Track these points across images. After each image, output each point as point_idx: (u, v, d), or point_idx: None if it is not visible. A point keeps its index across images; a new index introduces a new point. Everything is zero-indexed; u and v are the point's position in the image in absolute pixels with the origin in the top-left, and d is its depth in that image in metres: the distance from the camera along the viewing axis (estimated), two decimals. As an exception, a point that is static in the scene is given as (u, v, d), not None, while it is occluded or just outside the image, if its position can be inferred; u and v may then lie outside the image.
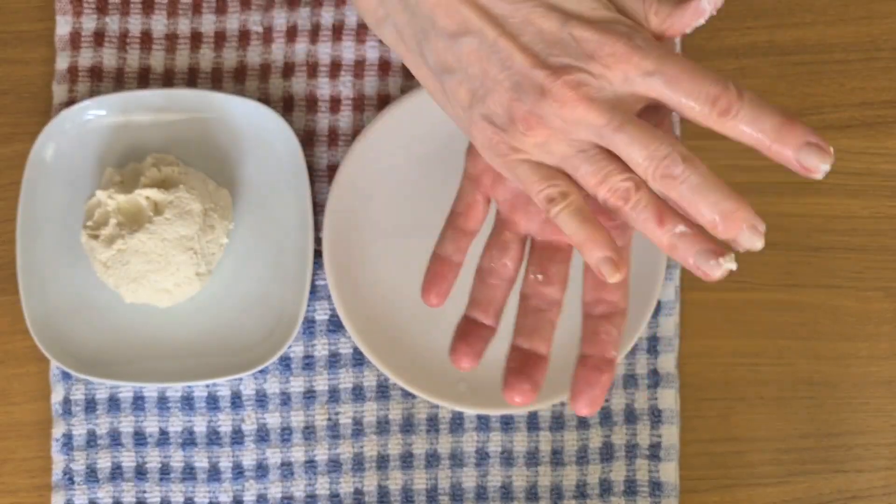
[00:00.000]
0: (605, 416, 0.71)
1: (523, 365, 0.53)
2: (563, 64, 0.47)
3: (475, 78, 0.49)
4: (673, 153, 0.47)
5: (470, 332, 0.54)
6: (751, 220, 0.48)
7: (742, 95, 0.47)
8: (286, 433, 0.72)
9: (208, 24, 0.75)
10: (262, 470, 0.72)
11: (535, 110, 0.48)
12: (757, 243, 0.48)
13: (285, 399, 0.72)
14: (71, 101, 0.73)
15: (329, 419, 0.72)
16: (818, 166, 0.47)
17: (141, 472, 0.72)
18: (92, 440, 0.72)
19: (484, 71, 0.48)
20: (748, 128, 0.48)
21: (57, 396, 0.72)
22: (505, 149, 0.49)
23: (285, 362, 0.72)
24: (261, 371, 0.72)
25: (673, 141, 0.48)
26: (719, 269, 0.48)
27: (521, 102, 0.48)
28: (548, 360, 0.54)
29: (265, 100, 0.74)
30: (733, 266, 0.49)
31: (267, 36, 0.74)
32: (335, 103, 0.74)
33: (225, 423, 0.72)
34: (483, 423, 0.72)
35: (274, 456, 0.72)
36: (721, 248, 0.48)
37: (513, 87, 0.48)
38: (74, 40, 0.74)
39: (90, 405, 0.72)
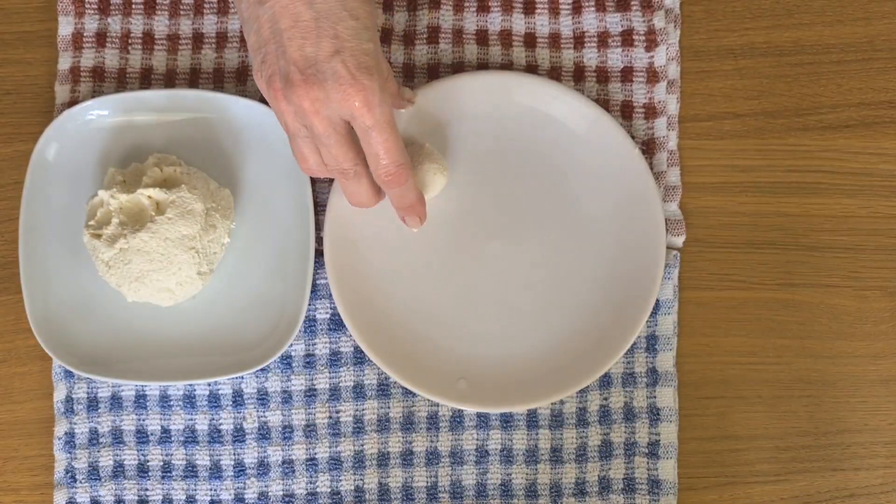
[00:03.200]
0: (605, 415, 0.72)
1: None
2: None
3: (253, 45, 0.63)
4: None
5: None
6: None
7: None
8: (287, 431, 0.72)
9: (210, 24, 0.75)
10: (263, 468, 0.72)
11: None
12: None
13: (286, 397, 0.72)
14: (73, 102, 0.74)
15: (330, 417, 0.72)
16: (413, 226, 0.70)
17: (143, 470, 0.72)
18: (94, 438, 0.72)
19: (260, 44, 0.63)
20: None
21: (59, 395, 0.72)
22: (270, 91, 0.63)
23: (286, 361, 0.72)
24: (262, 369, 0.72)
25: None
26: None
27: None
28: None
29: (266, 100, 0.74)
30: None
31: (268, 36, 0.75)
32: (336, 103, 0.74)
33: (227, 421, 0.72)
34: (483, 421, 0.72)
35: (275, 454, 0.72)
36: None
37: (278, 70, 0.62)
38: (76, 41, 0.74)
39: (92, 403, 0.72)
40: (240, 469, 0.72)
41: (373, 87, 0.61)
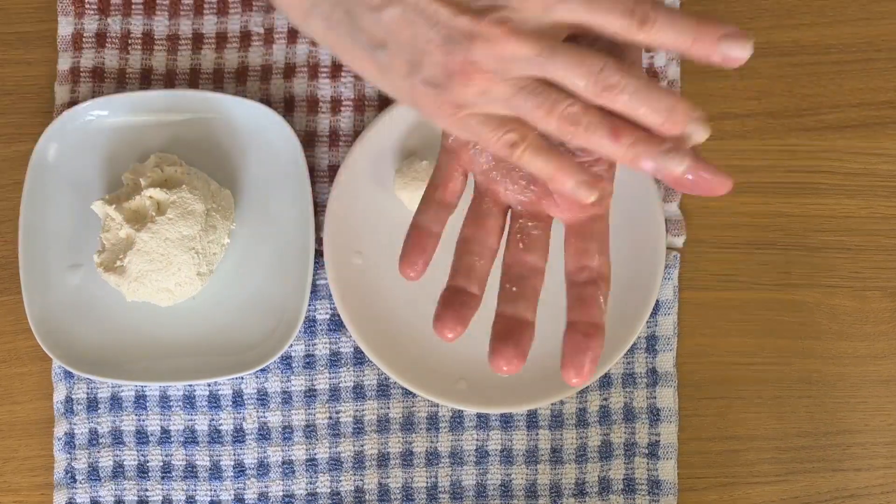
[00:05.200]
0: (604, 415, 0.72)
1: (509, 330, 0.51)
2: (483, 6, 0.48)
3: (407, 45, 0.49)
4: (607, 65, 0.47)
5: (454, 301, 0.52)
6: (691, 111, 0.48)
7: (656, 6, 0.48)
8: (287, 432, 0.72)
9: (210, 25, 0.75)
10: (263, 468, 0.72)
11: (468, 57, 0.48)
12: (702, 132, 0.48)
13: (286, 398, 0.72)
14: (73, 102, 0.74)
15: (330, 418, 0.72)
16: (740, 54, 0.48)
17: (143, 471, 0.72)
18: (94, 439, 0.72)
19: (414, 35, 0.49)
20: (668, 33, 0.48)
21: (59, 395, 0.72)
22: (451, 108, 0.49)
23: (286, 361, 0.72)
24: (262, 370, 0.72)
25: (604, 55, 0.48)
26: (681, 167, 0.48)
27: (454, 55, 0.48)
28: (534, 327, 0.52)
29: (266, 100, 0.74)
30: (684, 164, 0.48)
31: (268, 37, 0.75)
32: (336, 104, 0.74)
33: (226, 421, 0.72)
34: (483, 421, 0.72)
35: (275, 454, 0.72)
36: (677, 145, 0.48)
37: (443, 41, 0.48)
38: (76, 41, 0.74)
39: (92, 404, 0.72)
40: (240, 469, 0.72)
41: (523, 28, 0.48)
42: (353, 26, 0.50)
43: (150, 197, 0.68)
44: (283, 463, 0.72)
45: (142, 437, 0.72)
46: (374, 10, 0.49)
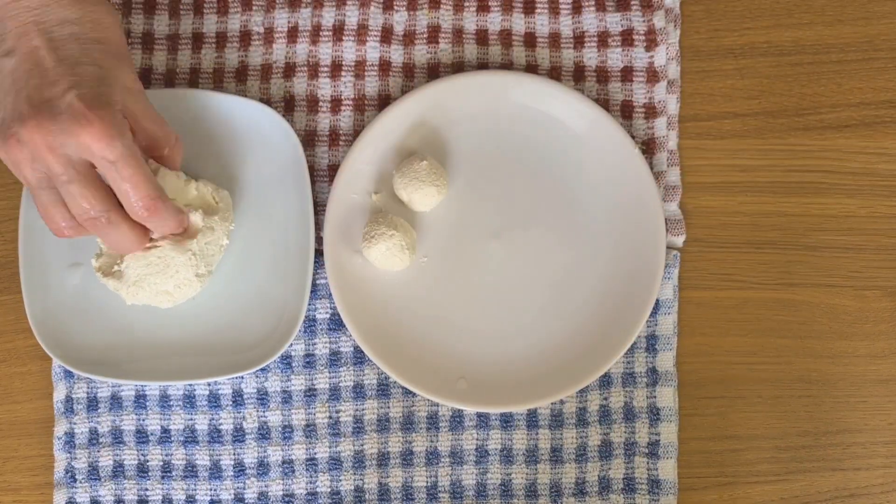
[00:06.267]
0: (605, 414, 0.72)
1: None
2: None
3: None
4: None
5: None
6: None
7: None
8: (287, 431, 0.72)
9: (210, 24, 0.75)
10: (263, 468, 0.72)
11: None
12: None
13: (286, 397, 0.72)
14: (73, 102, 0.74)
15: (330, 417, 0.72)
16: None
17: (143, 470, 0.72)
18: (94, 438, 0.72)
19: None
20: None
21: (59, 395, 0.72)
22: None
23: (286, 361, 0.72)
24: (262, 369, 0.72)
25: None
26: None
27: None
28: None
29: (266, 100, 0.74)
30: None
31: (268, 37, 0.75)
32: (336, 104, 0.74)
33: (226, 421, 0.72)
34: (483, 420, 0.72)
35: (275, 454, 0.72)
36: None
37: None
38: (76, 41, 0.74)
39: (92, 403, 0.72)
40: (240, 469, 0.72)
41: (111, 118, 0.59)
42: None
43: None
44: (283, 462, 0.72)
45: (142, 436, 0.72)
46: None
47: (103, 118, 0.58)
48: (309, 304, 0.72)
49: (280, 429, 0.72)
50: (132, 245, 0.64)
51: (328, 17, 0.74)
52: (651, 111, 0.73)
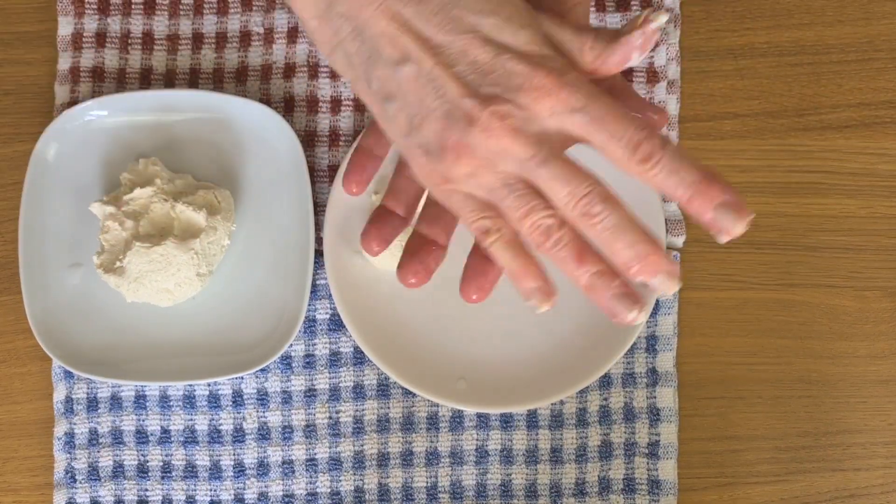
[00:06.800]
0: (605, 415, 0.72)
1: (419, 249, 0.54)
2: (492, 94, 0.48)
3: (412, 105, 0.49)
4: (593, 192, 0.47)
5: (380, 219, 0.57)
6: (665, 264, 0.48)
7: (665, 146, 0.47)
8: (287, 431, 0.72)
9: (210, 24, 0.75)
10: (263, 468, 0.72)
11: (463, 139, 0.48)
12: (669, 289, 0.48)
13: (286, 398, 0.72)
14: (73, 102, 0.74)
15: (330, 417, 0.72)
16: (732, 228, 0.47)
17: (143, 471, 0.72)
18: (94, 439, 0.72)
19: (420, 99, 0.49)
20: (667, 179, 0.47)
21: (59, 395, 0.72)
22: (438, 178, 0.50)
23: (286, 361, 0.72)
24: (262, 370, 0.72)
25: (595, 181, 0.48)
26: (630, 315, 0.49)
27: (451, 131, 0.48)
28: (445, 250, 0.55)
29: (266, 100, 0.74)
30: (643, 318, 0.49)
31: (268, 37, 0.75)
32: (336, 104, 0.74)
33: (226, 421, 0.72)
34: (483, 421, 0.72)
35: (275, 454, 0.72)
36: (637, 293, 0.48)
37: (444, 115, 0.48)
38: (76, 41, 0.74)
39: (92, 404, 0.72)
40: (239, 469, 0.72)
41: (567, 68, 0.48)
42: (371, 72, 0.50)
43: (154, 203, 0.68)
44: (283, 463, 0.72)
45: (142, 436, 0.72)
46: (392, 64, 0.49)
47: (558, 69, 0.48)
48: (309, 305, 0.72)
49: (280, 429, 0.72)
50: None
51: (328, 17, 0.74)
52: (651, 111, 0.73)
